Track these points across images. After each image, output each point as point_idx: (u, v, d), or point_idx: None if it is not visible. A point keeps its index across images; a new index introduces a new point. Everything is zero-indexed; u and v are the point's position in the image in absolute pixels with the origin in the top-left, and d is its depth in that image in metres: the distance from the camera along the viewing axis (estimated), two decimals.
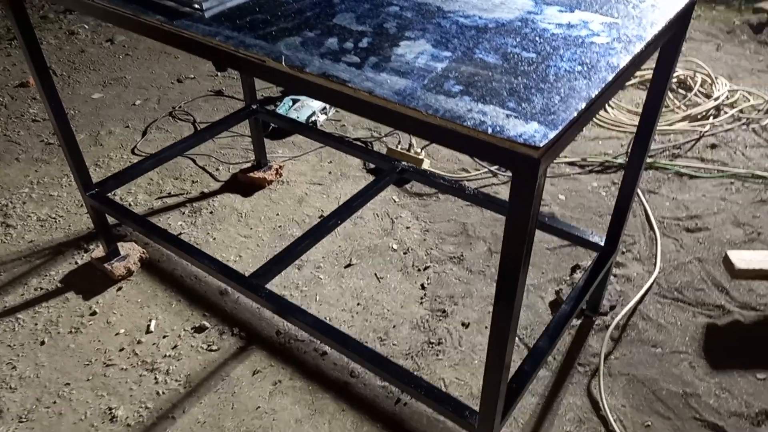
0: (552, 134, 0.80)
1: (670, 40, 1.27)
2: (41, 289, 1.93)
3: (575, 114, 0.84)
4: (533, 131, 0.80)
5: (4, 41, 3.58)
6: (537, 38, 1.05)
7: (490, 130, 0.81)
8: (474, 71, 0.95)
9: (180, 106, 2.93)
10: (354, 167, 2.51)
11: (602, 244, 1.63)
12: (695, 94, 2.88)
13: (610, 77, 0.93)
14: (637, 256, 2.03)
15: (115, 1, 1.20)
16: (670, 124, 2.68)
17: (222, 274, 1.61)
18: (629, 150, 2.52)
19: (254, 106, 2.26)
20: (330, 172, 2.49)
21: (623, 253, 2.04)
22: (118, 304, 1.88)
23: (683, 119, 2.71)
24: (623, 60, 0.97)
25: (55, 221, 2.21)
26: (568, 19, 1.12)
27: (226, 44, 1.05)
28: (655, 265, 1.98)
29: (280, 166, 2.47)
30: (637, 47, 1.02)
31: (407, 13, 1.15)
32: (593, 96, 0.88)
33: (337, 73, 0.96)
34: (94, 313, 1.84)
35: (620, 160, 2.48)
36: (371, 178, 2.46)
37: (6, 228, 2.18)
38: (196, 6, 1.15)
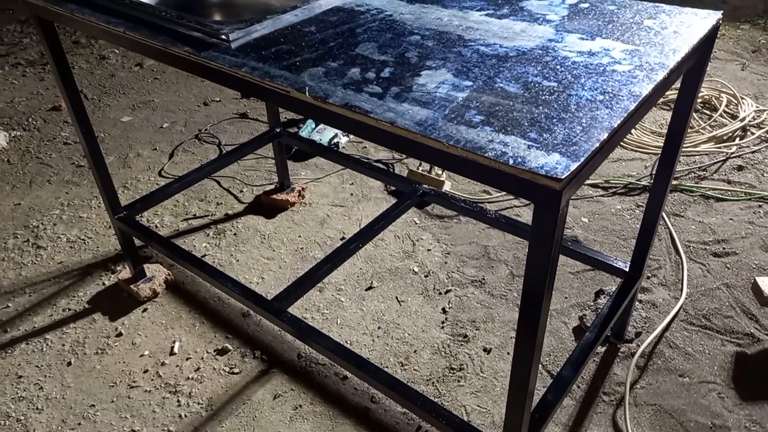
0: (574, 166, 0.79)
1: (694, 63, 1.26)
2: (69, 309, 1.98)
3: (597, 145, 0.84)
4: (555, 162, 0.80)
5: (38, 66, 3.71)
6: (558, 67, 1.05)
7: (511, 162, 0.81)
8: (495, 101, 0.96)
9: (206, 129, 2.99)
10: (376, 189, 2.53)
11: (627, 269, 1.61)
12: (720, 115, 2.84)
13: (632, 106, 0.92)
14: (662, 281, 2.00)
15: (145, 33, 1.24)
16: (695, 146, 2.65)
17: (245, 297, 1.62)
18: (653, 172, 2.49)
19: (278, 130, 2.29)
20: (352, 194, 2.51)
21: (648, 277, 2.01)
22: (144, 326, 1.91)
23: (709, 140, 2.67)
24: (646, 88, 0.97)
25: (84, 242, 2.27)
26: (589, 46, 1.12)
27: (252, 75, 1.07)
28: (681, 290, 1.94)
29: (303, 188, 2.50)
30: (660, 75, 1.01)
31: (428, 42, 1.16)
32: (615, 126, 0.88)
33: (360, 103, 0.97)
34: (119, 335, 1.87)
35: (644, 183, 2.45)
36: (393, 199, 2.47)
37: (37, 249, 2.24)
38: (224, 37, 1.18)
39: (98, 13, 1.35)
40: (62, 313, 1.96)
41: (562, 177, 0.78)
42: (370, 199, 2.48)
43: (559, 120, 0.90)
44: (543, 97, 0.96)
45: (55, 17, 1.44)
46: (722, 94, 2.95)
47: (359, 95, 0.99)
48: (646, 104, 0.98)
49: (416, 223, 2.32)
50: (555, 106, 0.94)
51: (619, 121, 0.89)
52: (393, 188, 2.53)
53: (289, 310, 1.59)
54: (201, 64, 1.15)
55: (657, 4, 1.29)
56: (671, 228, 2.21)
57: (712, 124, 2.79)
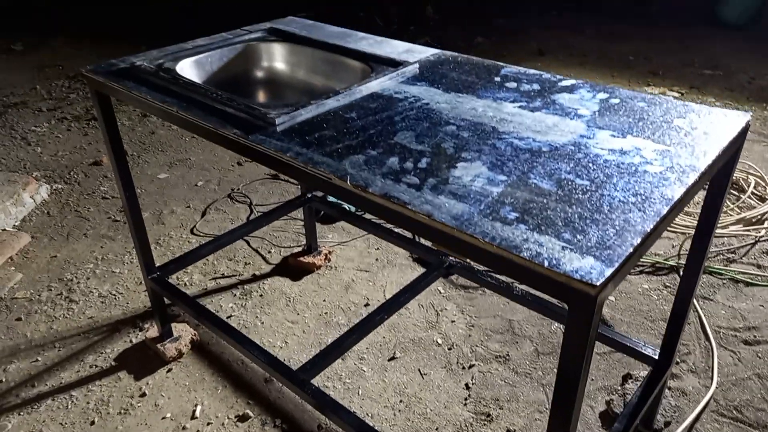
0: (609, 271, 0.81)
1: (725, 161, 1.28)
2: (96, 366, 2.00)
3: (631, 249, 0.86)
4: (590, 267, 0.82)
5: (83, 121, 3.90)
6: (590, 164, 1.09)
7: (546, 264, 0.84)
8: (529, 197, 0.99)
9: (238, 188, 3.08)
10: (401, 254, 2.56)
11: (656, 357, 1.59)
12: (749, 197, 2.83)
13: (664, 210, 0.95)
14: (692, 368, 1.95)
15: (197, 113, 1.32)
16: (724, 227, 2.64)
17: (270, 366, 1.63)
18: (680, 251, 2.47)
19: (309, 195, 2.36)
20: (377, 259, 2.54)
21: (678, 363, 1.97)
22: (167, 387, 1.92)
23: (737, 222, 2.66)
24: (677, 192, 1.00)
25: (115, 298, 2.32)
26: (620, 144, 1.16)
27: (296, 160, 1.13)
28: (711, 378, 1.90)
29: (329, 251, 2.54)
30: (691, 178, 1.04)
31: (464, 133, 1.22)
32: (648, 230, 0.90)
33: (398, 194, 1.01)
34: (143, 395, 1.89)
35: (671, 262, 2.43)
36: (417, 265, 2.49)
37: (69, 303, 2.29)
38: (270, 121, 1.25)
39: (153, 92, 1.44)
40: (89, 369, 1.99)
41: (598, 283, 0.80)
42: (395, 265, 2.50)
43: (592, 221, 0.93)
44: (576, 196, 0.99)
45: (114, 93, 1.54)
46: (750, 176, 2.95)
47: (398, 185, 1.04)
48: (677, 207, 1.00)
49: (440, 293, 2.33)
50: (588, 206, 0.97)
51: (651, 226, 0.91)
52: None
53: (313, 383, 1.59)
54: (249, 146, 1.22)
55: (686, 102, 1.33)
56: (701, 312, 2.18)
57: (741, 205, 2.78)
